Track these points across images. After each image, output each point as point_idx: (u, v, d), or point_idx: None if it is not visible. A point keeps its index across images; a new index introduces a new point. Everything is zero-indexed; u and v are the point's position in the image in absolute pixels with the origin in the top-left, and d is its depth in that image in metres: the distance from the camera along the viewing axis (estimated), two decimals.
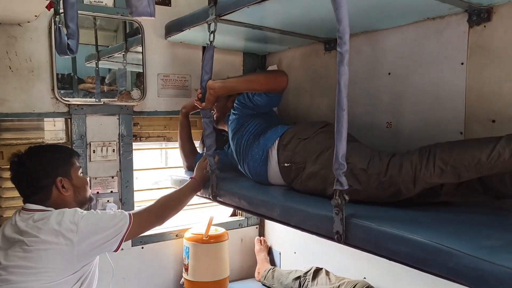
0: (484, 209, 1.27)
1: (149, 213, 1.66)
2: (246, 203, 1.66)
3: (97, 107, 2.17)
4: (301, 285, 2.29)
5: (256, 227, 2.82)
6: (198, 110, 1.98)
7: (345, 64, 1.14)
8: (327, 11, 1.12)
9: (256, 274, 2.67)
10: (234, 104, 1.97)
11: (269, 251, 2.76)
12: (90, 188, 2.08)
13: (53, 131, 2.12)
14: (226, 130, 2.06)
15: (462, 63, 1.58)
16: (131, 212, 1.59)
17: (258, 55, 2.69)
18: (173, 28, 2.17)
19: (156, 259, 2.42)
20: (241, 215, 2.79)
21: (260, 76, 1.90)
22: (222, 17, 1.71)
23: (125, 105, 2.24)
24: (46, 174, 1.51)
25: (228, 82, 1.77)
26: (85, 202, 1.62)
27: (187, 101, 2.40)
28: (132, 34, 2.33)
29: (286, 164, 1.66)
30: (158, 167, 3.53)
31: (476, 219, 1.19)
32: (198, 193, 1.91)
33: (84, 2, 2.09)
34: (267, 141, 1.77)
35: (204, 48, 2.43)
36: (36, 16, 1.88)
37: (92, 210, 1.57)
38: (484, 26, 1.52)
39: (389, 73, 1.86)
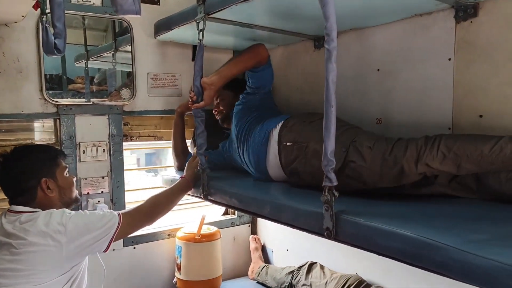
0: (472, 204, 1.28)
1: (139, 213, 1.65)
2: (236, 201, 1.66)
3: (86, 107, 2.15)
4: (294, 278, 2.30)
5: (249, 226, 2.83)
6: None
7: (333, 60, 1.14)
8: (316, 8, 1.13)
9: (249, 273, 2.68)
10: (240, 96, 2.03)
11: (263, 249, 2.77)
12: (80, 188, 2.10)
13: (42, 132, 2.11)
14: (230, 127, 2.08)
15: (450, 59, 1.59)
16: (120, 212, 1.58)
17: None
18: (162, 27, 2.16)
19: (148, 259, 2.41)
20: (234, 214, 2.80)
21: (244, 53, 1.96)
22: (210, 15, 1.70)
23: (115, 105, 2.23)
24: (30, 175, 1.50)
25: (222, 71, 1.81)
26: (70, 203, 1.60)
27: (178, 100, 2.40)
28: (121, 34, 2.31)
29: (288, 143, 1.67)
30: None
31: (464, 214, 1.20)
32: (189, 192, 1.91)
33: (72, 2, 2.07)
34: (270, 124, 1.80)
35: (193, 46, 2.43)
36: (23, 16, 1.86)
37: (80, 210, 1.55)
38: (471, 22, 1.53)
39: (378, 70, 1.87)
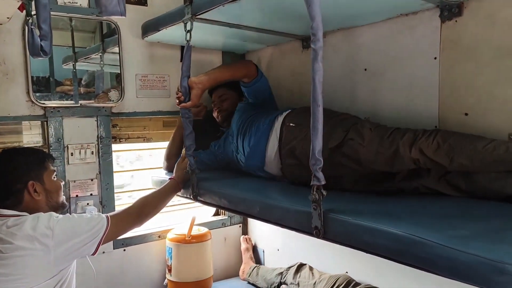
0: (456, 202, 1.29)
1: (127, 215, 1.64)
2: (226, 202, 1.66)
3: (74, 109, 2.14)
4: (283, 278, 2.32)
5: (240, 226, 2.83)
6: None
7: (319, 60, 1.15)
8: (303, 9, 1.13)
9: (240, 273, 2.68)
10: (244, 99, 2.14)
11: (254, 249, 2.77)
12: (69, 191, 2.09)
13: (29, 134, 2.09)
14: (229, 127, 2.12)
15: (435, 58, 1.61)
16: (108, 214, 1.57)
17: (237, 54, 2.69)
18: (149, 28, 2.15)
19: (138, 261, 2.40)
20: (224, 214, 2.79)
21: (234, 63, 2.11)
22: (198, 16, 1.70)
23: (103, 107, 2.22)
24: (17, 178, 1.48)
25: (211, 74, 1.83)
26: (57, 208, 1.58)
27: (167, 101, 2.42)
28: (109, 35, 2.30)
29: (291, 124, 1.71)
30: None
31: (448, 211, 1.21)
32: (179, 194, 1.90)
33: (58, 3, 2.06)
34: (277, 112, 1.86)
35: (182, 47, 2.43)
36: (8, 18, 1.84)
37: (68, 214, 1.54)
38: (456, 21, 1.55)
39: (365, 69, 1.88)
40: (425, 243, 0.93)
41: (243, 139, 1.91)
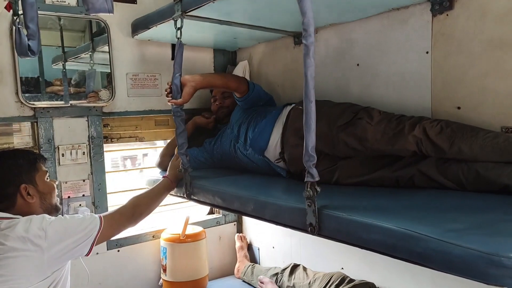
0: (450, 196, 1.29)
1: (121, 215, 1.62)
2: (220, 200, 1.65)
3: (64, 109, 2.11)
4: (278, 280, 2.30)
5: (234, 224, 2.82)
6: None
7: (311, 56, 1.13)
8: (294, 4, 1.12)
9: (235, 272, 2.67)
10: None
11: (248, 247, 2.76)
12: (61, 192, 2.06)
13: (19, 135, 2.06)
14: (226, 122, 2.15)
15: (427, 52, 1.61)
16: (102, 214, 1.56)
17: (229, 51, 2.68)
18: (139, 26, 2.13)
19: (133, 262, 2.38)
20: (219, 213, 2.78)
21: (231, 76, 2.14)
22: (188, 13, 1.69)
23: (94, 106, 2.19)
24: (9, 181, 1.46)
25: (207, 76, 1.87)
26: (51, 210, 1.55)
27: (158, 100, 2.40)
28: (99, 34, 2.28)
29: (300, 107, 1.72)
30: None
31: (442, 205, 1.20)
32: (172, 192, 1.89)
33: (46, 2, 2.03)
34: (286, 104, 1.89)
35: (172, 45, 2.41)
36: None
37: (60, 215, 1.52)
38: (447, 15, 1.55)
39: (358, 64, 1.88)
40: (419, 237, 0.92)
41: (247, 128, 1.91)
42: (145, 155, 4.97)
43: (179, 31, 1.71)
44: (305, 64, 1.14)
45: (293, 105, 1.84)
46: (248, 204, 1.50)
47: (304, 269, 2.25)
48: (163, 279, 2.40)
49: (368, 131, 1.47)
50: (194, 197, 1.80)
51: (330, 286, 1.99)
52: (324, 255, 2.23)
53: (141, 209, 1.68)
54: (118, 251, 2.31)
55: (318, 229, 1.19)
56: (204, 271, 2.45)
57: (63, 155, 2.10)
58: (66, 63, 2.24)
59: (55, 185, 1.60)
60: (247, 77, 2.50)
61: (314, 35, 1.13)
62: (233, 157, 1.98)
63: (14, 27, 1.35)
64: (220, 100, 2.26)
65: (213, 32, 2.14)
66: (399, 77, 1.71)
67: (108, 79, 2.26)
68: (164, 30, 2.01)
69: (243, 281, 2.56)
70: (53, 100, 2.12)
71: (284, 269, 2.34)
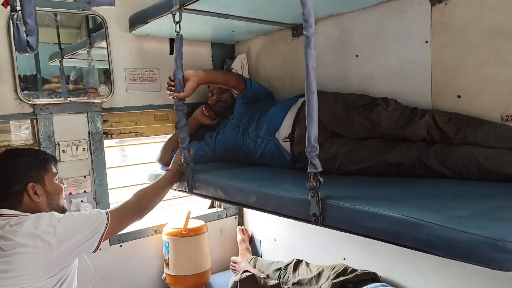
0: (452, 184, 1.30)
1: (127, 209, 1.63)
2: (222, 193, 1.65)
3: (64, 105, 2.11)
4: (281, 277, 2.30)
5: (235, 217, 2.83)
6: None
7: (312, 47, 1.14)
8: None
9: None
10: None
11: (250, 240, 2.77)
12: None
13: (19, 133, 2.06)
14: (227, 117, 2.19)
15: (427, 41, 1.61)
16: (108, 210, 1.56)
17: (226, 45, 2.67)
18: (137, 20, 2.12)
19: (136, 256, 2.39)
20: (220, 207, 2.79)
21: (233, 74, 2.21)
22: (186, 7, 1.68)
23: (93, 102, 2.19)
24: (16, 179, 1.46)
25: (210, 72, 1.95)
26: (57, 211, 1.54)
27: (157, 95, 2.39)
28: (96, 29, 2.26)
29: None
30: None
31: (445, 193, 1.21)
32: (174, 187, 1.89)
33: None
34: (302, 96, 1.88)
35: (171, 40, 2.40)
36: None
37: (67, 212, 1.53)
38: (446, 4, 1.55)
39: (357, 55, 1.88)
40: (424, 224, 0.93)
41: (260, 116, 1.94)
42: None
43: (178, 25, 1.71)
44: (306, 55, 1.14)
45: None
46: (250, 197, 1.50)
47: (307, 264, 2.25)
48: (166, 273, 2.41)
49: (383, 117, 1.53)
50: (196, 191, 1.80)
51: (335, 277, 2.00)
52: (326, 246, 2.24)
53: (146, 202, 1.69)
54: (121, 246, 2.32)
55: (322, 219, 1.19)
56: (206, 264, 2.46)
57: (63, 151, 2.10)
58: (63, 60, 2.23)
59: (63, 187, 1.61)
60: (245, 71, 2.51)
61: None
62: (239, 146, 1.99)
63: (12, 23, 1.34)
64: (218, 94, 2.28)
65: (211, 25, 2.13)
66: (398, 67, 1.72)
67: (107, 75, 2.26)
68: (162, 25, 2.00)
69: None
70: (51, 97, 2.11)
71: (287, 265, 2.33)
